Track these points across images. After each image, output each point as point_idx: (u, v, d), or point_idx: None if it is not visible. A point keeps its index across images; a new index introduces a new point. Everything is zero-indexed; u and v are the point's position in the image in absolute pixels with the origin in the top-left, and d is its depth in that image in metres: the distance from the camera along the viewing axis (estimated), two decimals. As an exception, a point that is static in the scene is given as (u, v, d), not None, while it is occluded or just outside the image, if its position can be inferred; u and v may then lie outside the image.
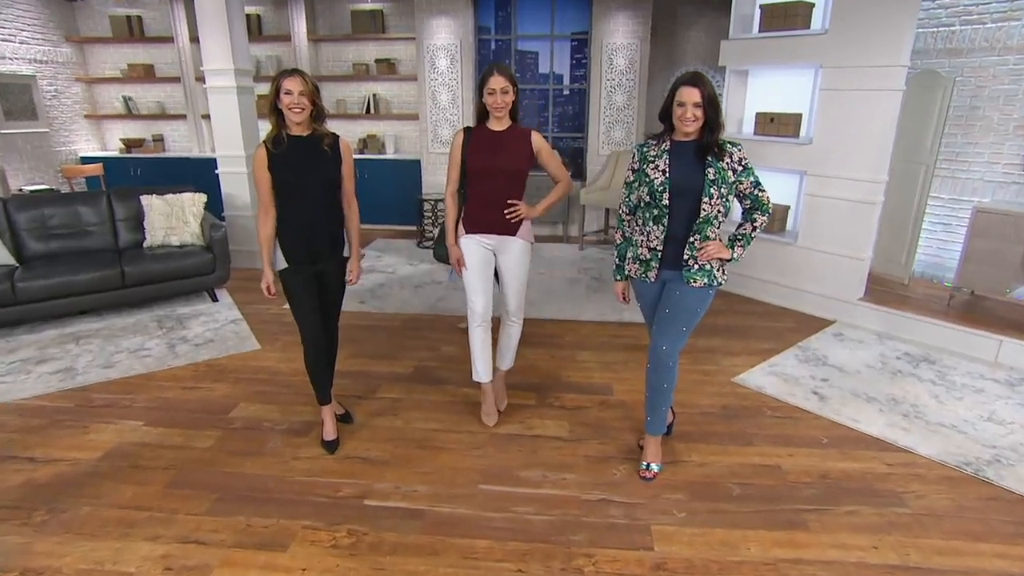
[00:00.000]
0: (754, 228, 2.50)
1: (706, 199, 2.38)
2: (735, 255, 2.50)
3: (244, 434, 3.03)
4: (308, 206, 2.65)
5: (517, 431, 3.09)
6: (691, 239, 2.45)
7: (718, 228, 2.48)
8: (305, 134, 2.62)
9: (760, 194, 2.47)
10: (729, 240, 2.52)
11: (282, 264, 2.71)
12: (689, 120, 2.34)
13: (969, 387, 3.56)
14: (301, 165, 2.60)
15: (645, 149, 2.52)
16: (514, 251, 2.90)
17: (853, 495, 2.60)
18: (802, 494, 2.61)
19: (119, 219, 4.76)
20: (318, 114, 2.61)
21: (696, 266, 2.47)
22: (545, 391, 3.50)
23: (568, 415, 3.24)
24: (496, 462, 2.83)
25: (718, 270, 2.51)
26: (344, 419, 3.13)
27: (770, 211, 2.49)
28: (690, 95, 2.32)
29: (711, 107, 2.33)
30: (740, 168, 2.43)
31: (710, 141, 2.38)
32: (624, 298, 2.77)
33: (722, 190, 2.38)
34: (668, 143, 2.46)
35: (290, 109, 2.51)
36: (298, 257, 2.71)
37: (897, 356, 4.00)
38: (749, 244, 2.52)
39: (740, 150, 2.45)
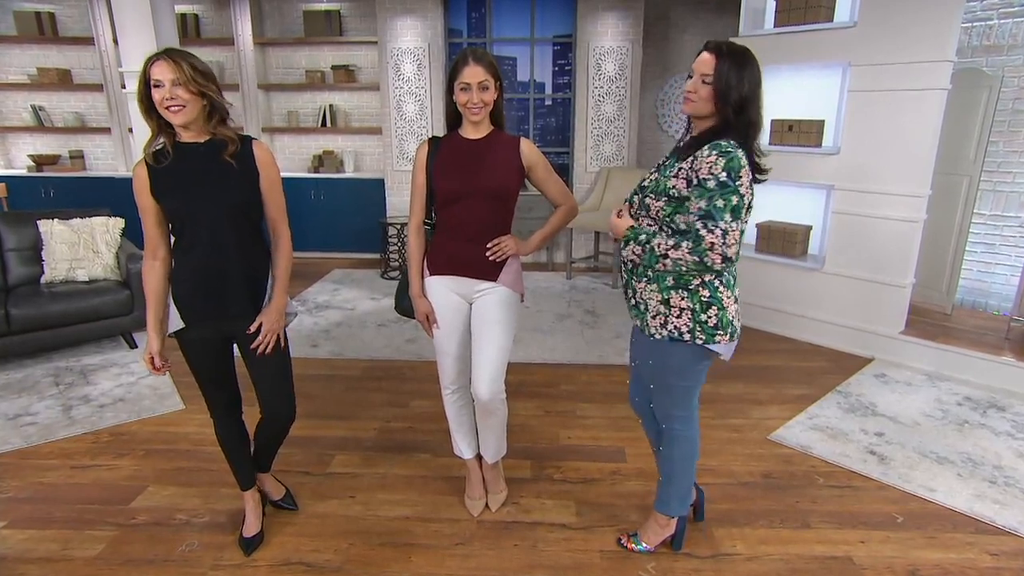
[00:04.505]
0: (667, 247, 1.84)
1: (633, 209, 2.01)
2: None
3: (149, 532, 2.43)
4: (208, 243, 2.01)
5: (511, 516, 2.55)
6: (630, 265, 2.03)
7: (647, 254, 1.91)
8: (202, 140, 1.99)
9: (704, 232, 1.77)
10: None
11: (177, 323, 2.09)
12: (690, 97, 1.87)
13: (1057, 441, 3.13)
14: (195, 185, 1.97)
15: None
16: (493, 302, 2.28)
17: (960, 602, 2.11)
18: (892, 601, 2.11)
19: (9, 249, 4.12)
20: (213, 111, 1.98)
21: (634, 300, 2.05)
22: (542, 459, 2.98)
23: (573, 492, 2.72)
24: (486, 564, 2.28)
25: (658, 316, 1.95)
26: (284, 504, 2.57)
27: (706, 259, 1.78)
28: (700, 64, 1.84)
29: (723, 83, 1.78)
30: (696, 180, 1.80)
31: (704, 134, 1.87)
32: None
33: (648, 200, 1.93)
34: (688, 138, 1.98)
35: (164, 108, 1.88)
36: (196, 313, 2.07)
37: (957, 402, 3.57)
38: (650, 258, 1.89)
39: (719, 153, 1.76)
